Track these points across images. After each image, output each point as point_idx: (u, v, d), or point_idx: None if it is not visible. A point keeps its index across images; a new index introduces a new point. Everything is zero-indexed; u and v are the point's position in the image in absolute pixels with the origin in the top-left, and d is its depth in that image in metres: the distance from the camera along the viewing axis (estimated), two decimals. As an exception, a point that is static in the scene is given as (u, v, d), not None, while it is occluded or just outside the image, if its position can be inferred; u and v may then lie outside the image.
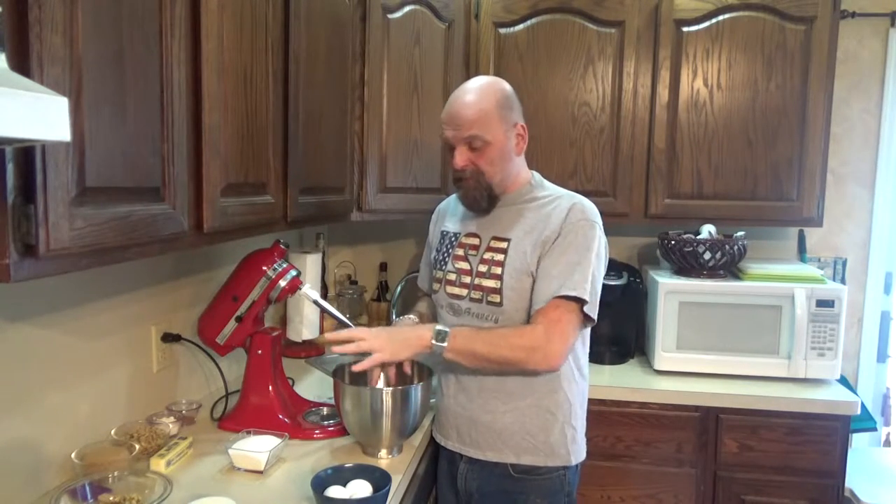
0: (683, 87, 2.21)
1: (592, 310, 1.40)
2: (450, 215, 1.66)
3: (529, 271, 1.43)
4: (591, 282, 1.39)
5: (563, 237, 1.42)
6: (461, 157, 1.44)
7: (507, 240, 1.47)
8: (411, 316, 1.65)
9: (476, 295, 1.48)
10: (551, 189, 1.54)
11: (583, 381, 1.53)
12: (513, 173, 1.51)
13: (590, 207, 1.47)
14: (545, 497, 1.48)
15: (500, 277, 1.45)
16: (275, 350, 1.64)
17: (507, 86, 1.49)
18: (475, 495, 1.53)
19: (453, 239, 1.59)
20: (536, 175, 1.57)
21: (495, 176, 1.46)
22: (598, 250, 1.43)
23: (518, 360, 1.38)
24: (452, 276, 1.54)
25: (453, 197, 1.70)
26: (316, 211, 1.71)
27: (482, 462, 1.50)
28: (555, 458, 1.47)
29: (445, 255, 1.59)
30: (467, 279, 1.51)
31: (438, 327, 1.39)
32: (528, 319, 1.43)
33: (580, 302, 1.38)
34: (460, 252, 1.55)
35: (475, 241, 1.53)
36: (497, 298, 1.45)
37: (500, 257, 1.46)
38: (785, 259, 2.44)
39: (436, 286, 1.59)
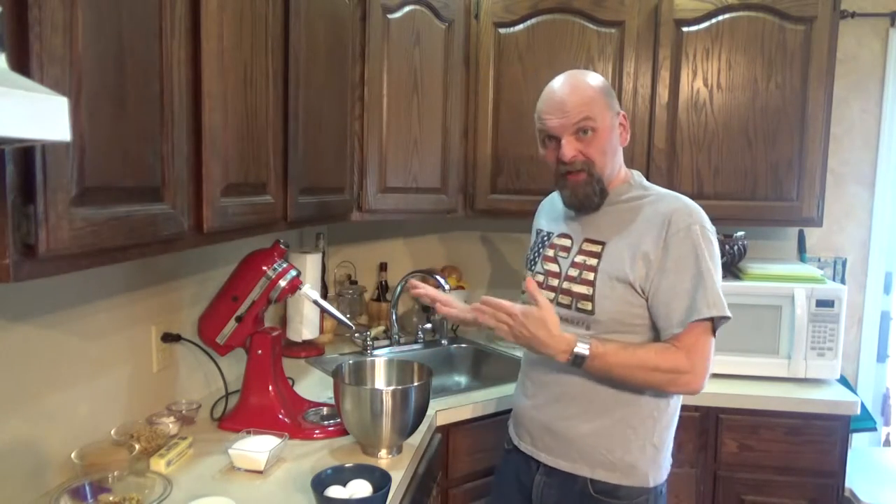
0: (683, 87, 2.21)
1: (723, 321, 1.30)
2: (545, 213, 1.60)
3: (627, 280, 1.32)
4: (719, 293, 1.28)
5: (671, 250, 1.30)
6: (570, 147, 1.33)
7: (602, 243, 1.38)
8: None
9: (564, 300, 1.40)
10: (652, 189, 1.42)
11: (674, 397, 1.41)
12: (616, 168, 1.41)
13: (695, 209, 1.34)
14: None
15: (592, 283, 1.35)
16: (275, 350, 1.64)
17: (603, 77, 1.43)
18: None
19: (546, 239, 1.52)
20: (636, 174, 1.47)
21: (605, 167, 1.36)
22: (713, 252, 1.31)
23: (660, 384, 1.32)
24: (540, 278, 1.46)
25: (553, 195, 1.60)
26: (316, 211, 1.71)
27: (560, 474, 1.41)
28: (632, 477, 1.36)
29: (536, 255, 1.53)
30: (555, 282, 1.43)
31: (578, 349, 1.27)
32: (621, 328, 1.34)
33: (713, 319, 1.29)
34: (550, 253, 1.47)
35: (567, 242, 1.45)
36: (588, 306, 1.35)
37: (593, 262, 1.37)
38: (785, 259, 2.44)
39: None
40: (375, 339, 2.36)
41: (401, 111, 2.11)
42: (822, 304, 2.04)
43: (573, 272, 1.40)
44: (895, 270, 2.53)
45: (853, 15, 2.36)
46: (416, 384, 1.50)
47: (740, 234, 2.22)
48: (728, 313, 1.29)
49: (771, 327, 2.07)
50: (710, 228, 1.34)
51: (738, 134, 2.19)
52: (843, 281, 2.49)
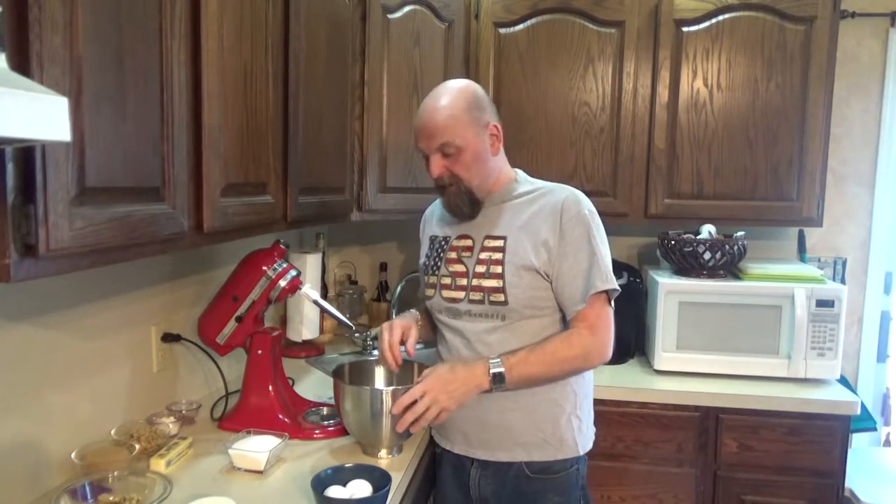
0: (683, 87, 2.21)
1: (615, 293, 1.44)
2: (436, 220, 1.64)
3: (533, 268, 1.42)
4: (609, 268, 1.43)
5: (567, 235, 1.42)
6: (436, 166, 1.44)
7: (503, 237, 1.46)
8: (413, 311, 1.63)
9: (476, 296, 1.46)
10: (538, 183, 1.54)
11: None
12: (493, 174, 1.50)
13: (581, 196, 1.48)
14: (562, 494, 1.48)
15: (501, 276, 1.44)
16: (275, 350, 1.64)
17: (477, 88, 1.47)
18: (491, 500, 1.50)
19: (443, 243, 1.56)
20: (521, 172, 1.57)
21: (473, 180, 1.45)
22: (601, 232, 1.46)
23: (576, 368, 1.44)
24: (447, 280, 1.51)
25: (438, 202, 1.67)
26: (316, 211, 1.71)
27: (495, 464, 1.48)
28: (564, 450, 1.47)
29: (437, 259, 1.56)
30: (463, 281, 1.49)
31: (493, 370, 1.37)
32: (533, 313, 1.44)
33: (607, 292, 1.42)
34: (453, 255, 1.52)
35: (468, 242, 1.51)
36: (501, 297, 1.43)
37: (498, 256, 1.45)
38: (785, 259, 2.44)
39: (430, 292, 1.56)
40: (375, 339, 2.36)
41: (401, 111, 2.11)
42: (822, 304, 2.04)
43: (480, 269, 1.47)
44: (895, 270, 2.53)
45: (853, 15, 2.36)
46: (416, 384, 1.49)
47: (740, 234, 2.22)
48: (617, 286, 1.43)
49: (771, 327, 2.08)
50: (595, 211, 1.48)
51: (738, 134, 2.19)
52: (843, 281, 2.49)
